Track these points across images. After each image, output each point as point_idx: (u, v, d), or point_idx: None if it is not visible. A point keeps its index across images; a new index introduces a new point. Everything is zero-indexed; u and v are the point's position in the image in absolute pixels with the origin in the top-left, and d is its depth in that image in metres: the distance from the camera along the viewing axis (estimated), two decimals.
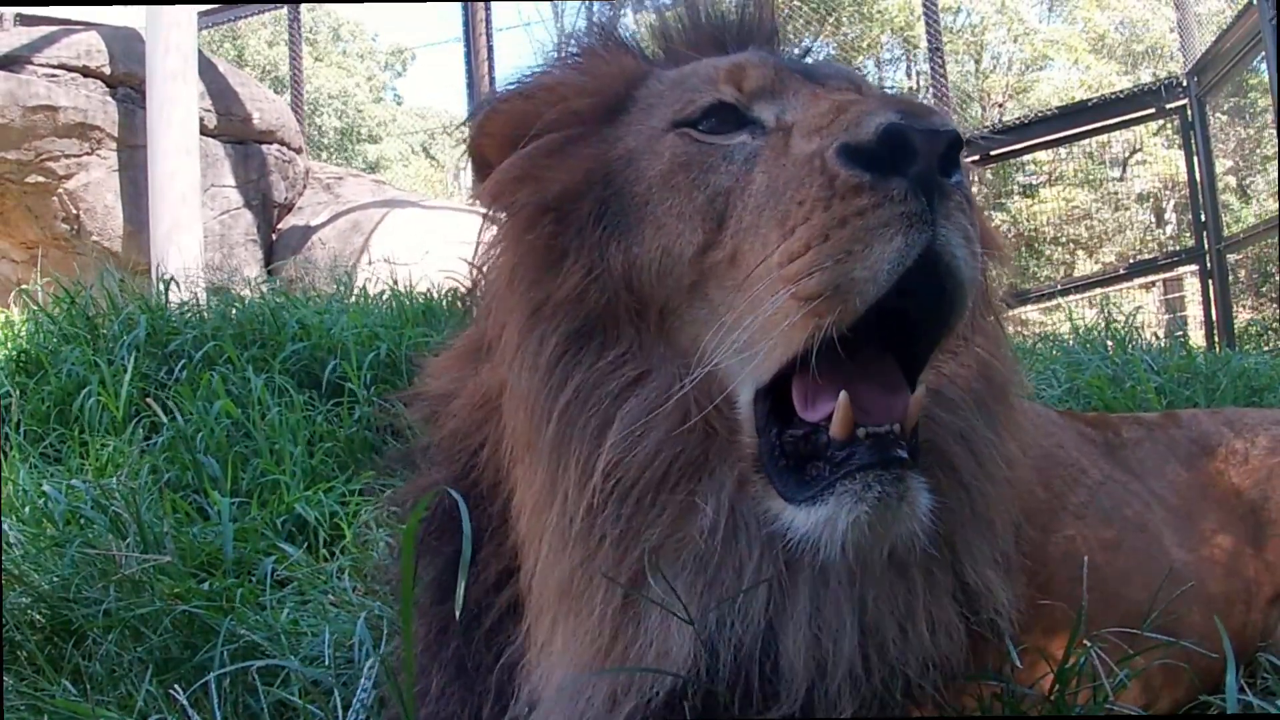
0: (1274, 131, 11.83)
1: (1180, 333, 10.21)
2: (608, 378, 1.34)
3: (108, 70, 9.33)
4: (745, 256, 1.28)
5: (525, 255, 1.41)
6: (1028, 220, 17.94)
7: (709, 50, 1.62)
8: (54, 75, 9.00)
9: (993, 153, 12.77)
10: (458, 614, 1.34)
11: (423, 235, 8.35)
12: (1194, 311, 13.55)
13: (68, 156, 9.10)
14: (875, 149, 1.18)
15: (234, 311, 5.04)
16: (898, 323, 1.23)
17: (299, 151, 10.96)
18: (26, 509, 3.14)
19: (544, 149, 1.49)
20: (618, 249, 1.37)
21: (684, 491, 1.31)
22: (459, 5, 12.57)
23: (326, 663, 2.16)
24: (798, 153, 1.27)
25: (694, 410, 1.30)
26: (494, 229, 1.57)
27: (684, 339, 1.35)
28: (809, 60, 1.73)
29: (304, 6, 16.83)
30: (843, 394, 1.20)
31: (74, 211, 9.24)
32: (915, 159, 1.17)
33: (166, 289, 5.59)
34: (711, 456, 1.32)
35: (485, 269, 1.59)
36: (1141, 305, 13.78)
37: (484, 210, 1.60)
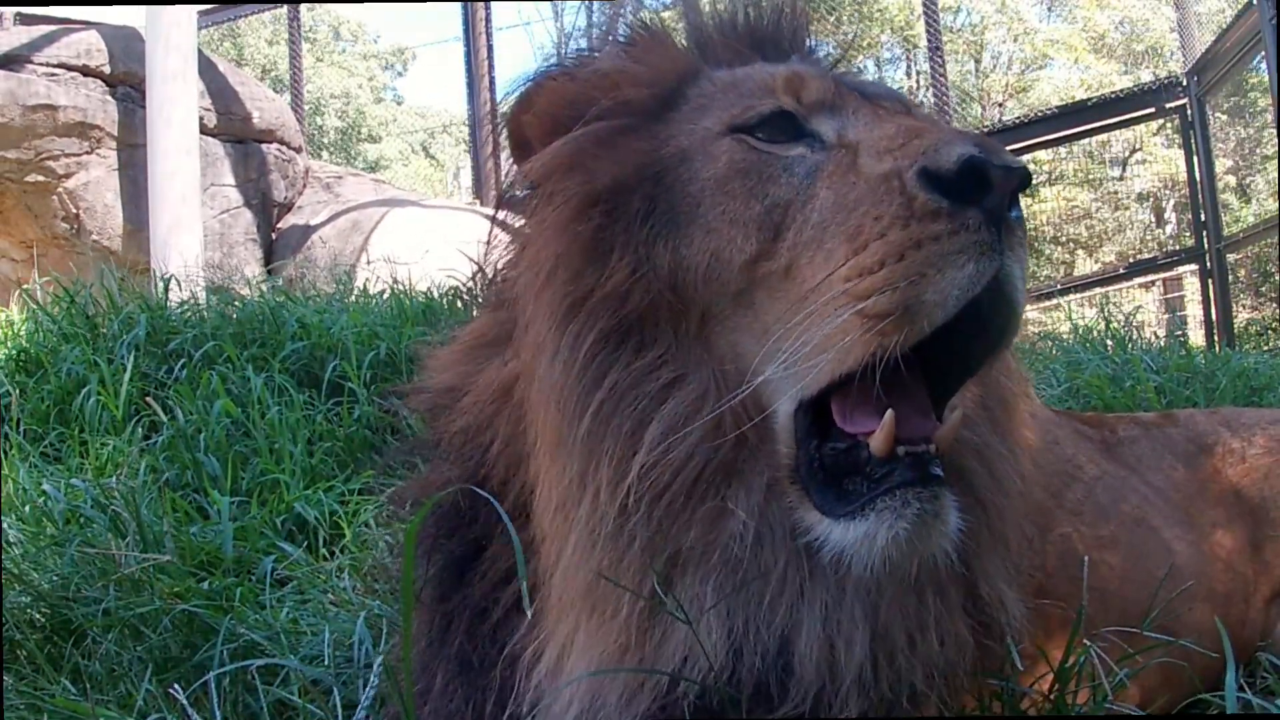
0: (1274, 131, 11.84)
1: (1180, 332, 10.21)
2: (645, 378, 1.33)
3: (108, 70, 9.33)
4: (803, 270, 1.28)
5: (570, 246, 1.38)
6: (1027, 219, 17.91)
7: (747, 54, 1.60)
8: (54, 74, 9.00)
9: None
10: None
11: (423, 234, 8.35)
12: (1194, 311, 13.56)
13: (67, 156, 9.10)
14: (955, 179, 1.21)
15: (234, 311, 5.05)
16: (932, 345, 1.24)
17: (299, 151, 10.96)
18: (26, 508, 3.15)
19: (594, 136, 1.46)
20: (665, 249, 1.36)
21: (716, 496, 1.31)
22: (459, 5, 12.57)
23: (326, 662, 2.16)
24: (870, 171, 1.28)
25: (729, 418, 1.31)
26: (526, 215, 1.54)
27: (723, 344, 1.36)
28: (840, 69, 1.72)
29: (304, 6, 16.83)
30: (889, 412, 1.22)
31: (74, 211, 9.24)
32: (991, 192, 1.21)
33: (166, 288, 5.60)
34: (742, 462, 1.33)
35: (511, 256, 1.57)
36: (1141, 305, 13.79)
37: (518, 195, 1.57)
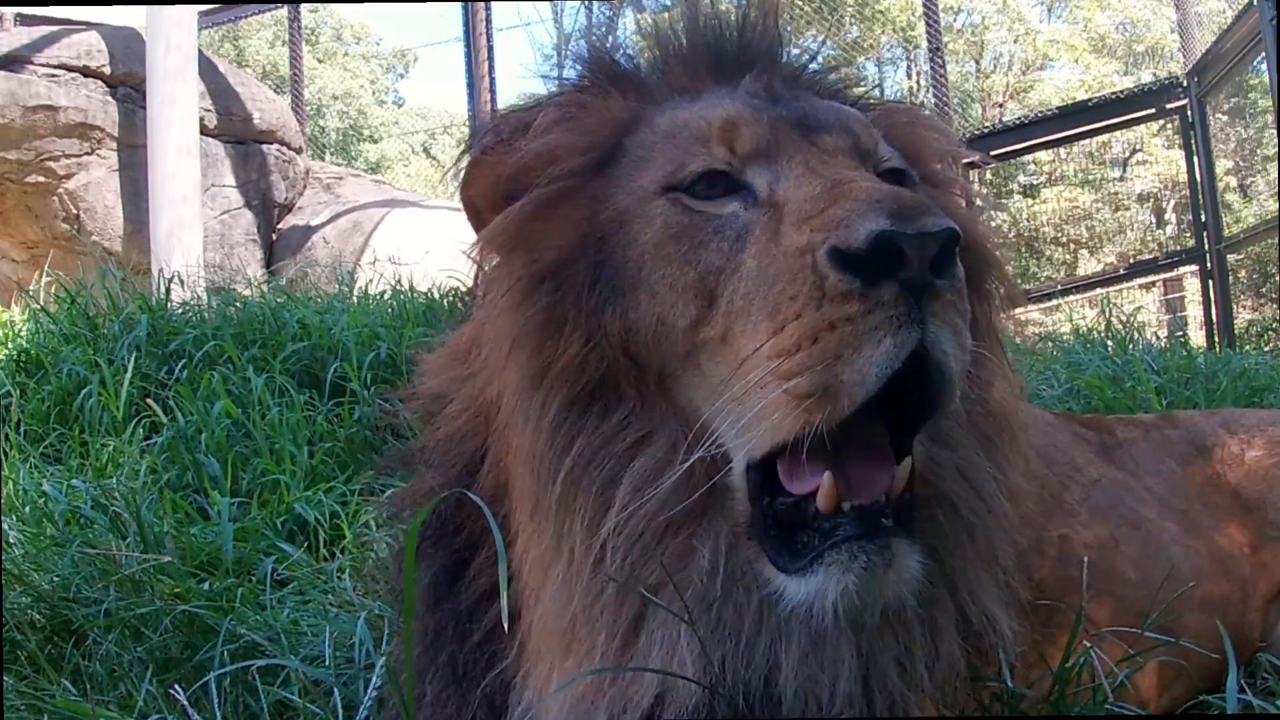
0: (1274, 131, 11.84)
1: (1180, 333, 10.21)
2: (612, 439, 1.36)
3: (108, 70, 9.33)
4: (737, 338, 1.29)
5: (524, 327, 1.41)
6: (1028, 220, 17.94)
7: (706, 71, 1.58)
8: (54, 75, 9.01)
9: (993, 153, 12.78)
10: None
11: (423, 235, 8.36)
12: (1194, 311, 13.57)
13: (68, 156, 9.10)
14: (866, 256, 1.18)
15: (234, 311, 5.05)
16: (890, 391, 1.22)
17: (299, 151, 10.97)
18: (26, 509, 3.15)
19: (533, 208, 1.46)
20: (614, 315, 1.37)
21: (684, 535, 1.34)
22: (459, 6, 12.57)
23: (326, 662, 2.16)
24: (788, 244, 1.27)
25: (698, 468, 1.32)
26: (490, 273, 1.57)
27: (682, 400, 1.37)
28: (815, 68, 1.69)
29: (305, 7, 16.83)
30: (827, 475, 1.23)
31: (74, 211, 9.24)
32: (906, 265, 1.17)
33: (168, 288, 5.60)
34: (709, 507, 1.35)
35: (483, 294, 1.60)
36: (1141, 305, 13.79)
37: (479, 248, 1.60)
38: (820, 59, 1.72)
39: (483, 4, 11.83)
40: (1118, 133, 15.19)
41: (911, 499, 1.30)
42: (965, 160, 1.76)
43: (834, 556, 1.23)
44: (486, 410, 1.50)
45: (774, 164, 1.40)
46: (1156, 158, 17.87)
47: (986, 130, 13.79)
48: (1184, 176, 13.16)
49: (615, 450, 1.35)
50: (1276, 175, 13.21)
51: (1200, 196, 11.92)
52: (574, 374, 1.37)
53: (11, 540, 2.85)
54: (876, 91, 1.98)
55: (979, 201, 1.66)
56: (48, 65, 9.02)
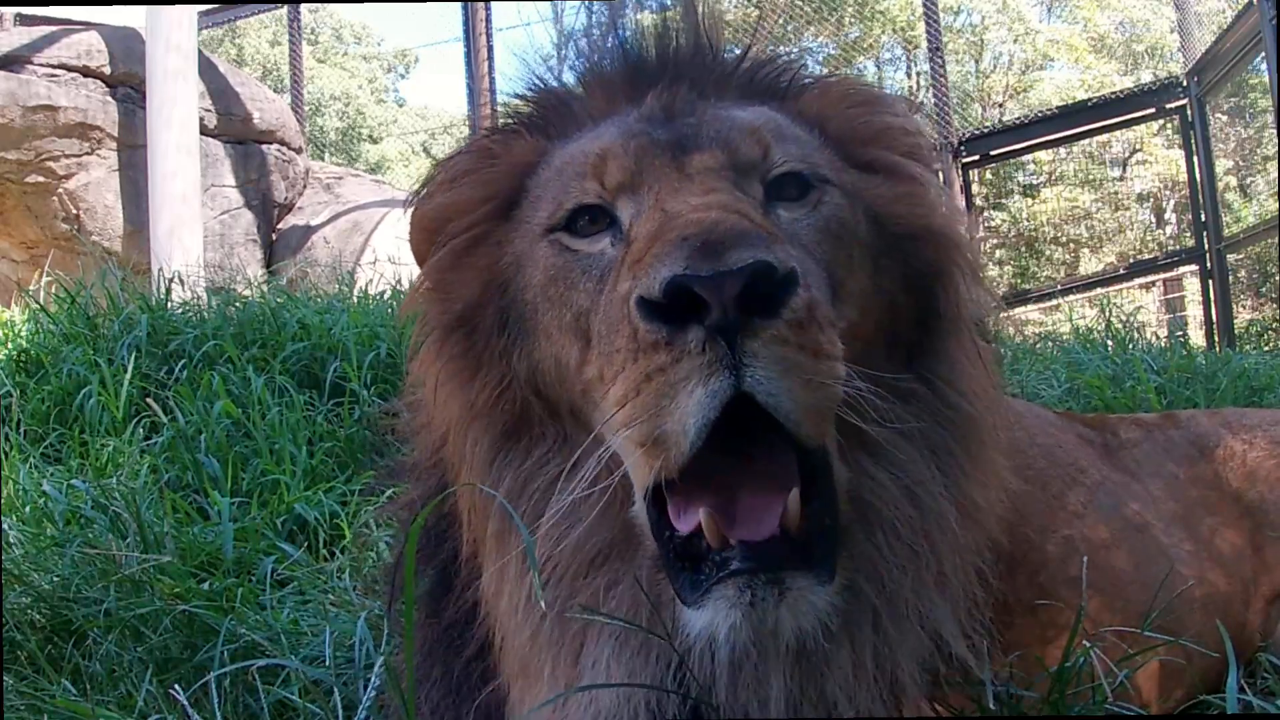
0: (1274, 131, 11.84)
1: (1180, 332, 10.22)
2: (537, 474, 1.39)
3: (108, 70, 9.33)
4: (606, 380, 1.28)
5: (444, 369, 1.46)
6: (1028, 220, 17.95)
7: (621, 93, 1.55)
8: (54, 75, 9.01)
9: (993, 153, 12.80)
10: None
11: None
12: (1194, 311, 13.57)
13: (68, 156, 9.10)
14: (666, 304, 1.15)
15: (234, 311, 5.05)
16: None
17: (299, 151, 10.97)
18: (27, 509, 3.15)
19: (447, 259, 1.50)
20: (520, 356, 1.41)
21: (609, 571, 1.36)
22: (459, 6, 12.58)
23: (327, 662, 2.16)
24: (620, 290, 1.26)
25: (618, 498, 1.32)
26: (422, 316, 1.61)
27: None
28: (749, 65, 1.61)
29: (305, 7, 16.84)
30: (702, 511, 1.20)
31: (74, 211, 9.24)
32: (708, 309, 1.13)
33: (168, 288, 5.60)
34: (629, 539, 1.36)
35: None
36: (1141, 305, 13.80)
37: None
38: (752, 56, 1.62)
39: (483, 4, 11.84)
40: (1118, 133, 15.20)
41: (832, 527, 1.26)
42: (916, 134, 1.61)
43: (722, 591, 1.20)
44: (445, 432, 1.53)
45: (638, 195, 1.38)
46: (1156, 157, 17.87)
47: (986, 130, 13.79)
48: (1184, 176, 13.17)
49: (539, 486, 1.38)
50: (1276, 175, 13.21)
51: (1200, 196, 11.94)
52: (492, 414, 1.41)
53: (11, 540, 2.85)
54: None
55: (935, 190, 1.56)
56: (48, 65, 9.02)
